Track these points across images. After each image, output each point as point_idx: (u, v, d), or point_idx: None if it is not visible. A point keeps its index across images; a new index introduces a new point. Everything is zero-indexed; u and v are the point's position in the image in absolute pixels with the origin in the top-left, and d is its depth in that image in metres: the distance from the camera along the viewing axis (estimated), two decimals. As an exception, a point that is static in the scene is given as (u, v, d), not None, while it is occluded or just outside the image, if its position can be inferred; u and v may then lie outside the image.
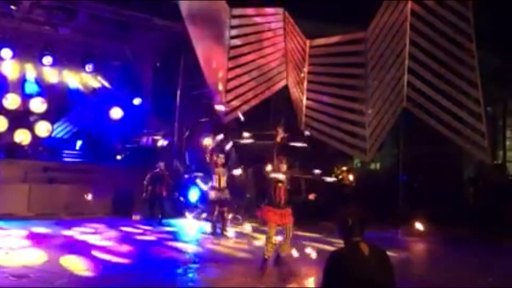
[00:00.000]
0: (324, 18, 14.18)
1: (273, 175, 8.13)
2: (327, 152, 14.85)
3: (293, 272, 7.97)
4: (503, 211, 12.73)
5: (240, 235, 11.28)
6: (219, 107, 13.30)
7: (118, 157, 16.76)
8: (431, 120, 12.62)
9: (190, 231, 12.37)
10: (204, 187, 12.37)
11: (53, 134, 16.62)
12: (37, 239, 9.68)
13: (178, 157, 15.79)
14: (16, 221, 11.70)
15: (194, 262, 8.50)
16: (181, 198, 14.27)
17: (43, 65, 14.86)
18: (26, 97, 15.59)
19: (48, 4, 14.19)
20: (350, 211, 3.40)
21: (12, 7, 13.52)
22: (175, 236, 11.36)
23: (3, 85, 14.93)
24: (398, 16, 13.20)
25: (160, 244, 10.16)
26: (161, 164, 13.30)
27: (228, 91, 14.04)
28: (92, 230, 11.21)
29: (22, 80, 15.41)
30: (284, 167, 8.21)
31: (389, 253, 3.41)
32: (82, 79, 16.18)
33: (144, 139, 16.75)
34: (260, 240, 9.70)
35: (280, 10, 14.54)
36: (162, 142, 16.20)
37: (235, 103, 14.10)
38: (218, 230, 11.41)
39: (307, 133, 11.73)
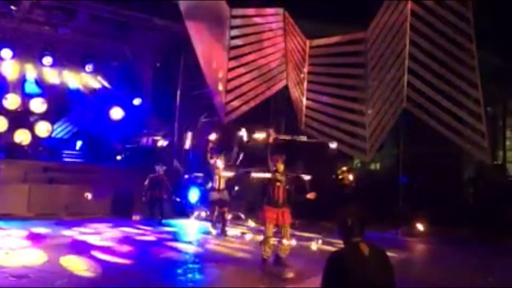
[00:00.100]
0: (324, 18, 14.18)
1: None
2: (328, 152, 14.85)
3: (293, 272, 7.97)
4: (503, 212, 12.73)
5: (240, 235, 11.29)
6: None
7: (118, 157, 16.76)
8: (431, 120, 12.62)
9: (190, 231, 12.37)
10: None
11: (53, 134, 16.63)
12: (37, 239, 9.68)
13: (178, 157, 15.78)
14: (16, 221, 11.70)
15: (194, 262, 8.50)
16: (178, 199, 14.24)
17: (43, 65, 14.86)
18: (26, 97, 15.59)
19: (48, 4, 14.19)
20: (350, 212, 3.39)
21: (12, 7, 13.52)
22: (175, 236, 11.36)
23: (3, 85, 14.93)
24: (398, 17, 13.21)
25: (160, 244, 10.15)
26: (160, 169, 13.29)
27: (228, 91, 14.05)
28: (92, 230, 11.20)
29: (22, 80, 15.42)
30: (281, 167, 8.24)
31: (389, 253, 3.40)
32: (82, 79, 16.18)
33: (144, 139, 16.75)
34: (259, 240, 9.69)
35: (280, 10, 14.55)
36: (162, 142, 16.20)
37: (235, 103, 14.11)
38: (218, 230, 11.41)
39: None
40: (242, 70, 14.23)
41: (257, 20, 14.51)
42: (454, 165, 15.71)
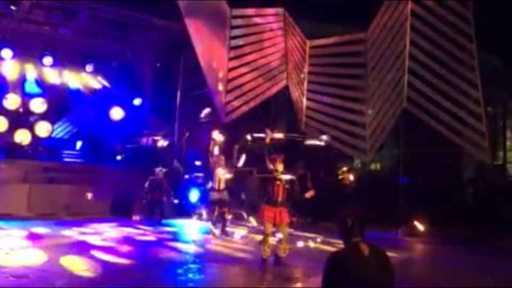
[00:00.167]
0: (324, 18, 14.18)
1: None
2: (330, 153, 14.87)
3: (293, 272, 7.97)
4: (503, 212, 12.72)
5: (240, 235, 11.28)
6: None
7: (118, 157, 16.78)
8: (431, 120, 12.61)
9: (190, 231, 12.37)
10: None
11: (53, 135, 16.65)
12: (37, 239, 9.67)
13: (178, 157, 15.79)
14: (16, 221, 11.70)
15: (194, 262, 8.50)
16: (176, 201, 14.21)
17: (43, 65, 14.88)
18: (26, 97, 15.61)
19: (48, 5, 14.21)
20: (350, 212, 3.39)
21: (12, 7, 13.53)
22: (175, 236, 11.36)
23: (3, 85, 14.95)
24: (398, 17, 13.20)
25: (160, 244, 10.16)
26: (159, 172, 13.29)
27: (228, 91, 14.06)
28: (92, 231, 11.20)
29: (22, 80, 15.44)
30: (280, 166, 8.27)
31: (389, 253, 3.40)
32: (82, 79, 16.19)
33: (144, 140, 16.77)
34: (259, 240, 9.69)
35: (280, 11, 14.55)
36: (162, 143, 16.21)
37: (235, 103, 14.12)
38: (219, 230, 11.41)
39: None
40: (242, 70, 14.24)
41: (257, 20, 14.52)
42: (454, 165, 15.70)
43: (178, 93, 16.21)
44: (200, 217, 13.71)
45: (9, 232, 10.25)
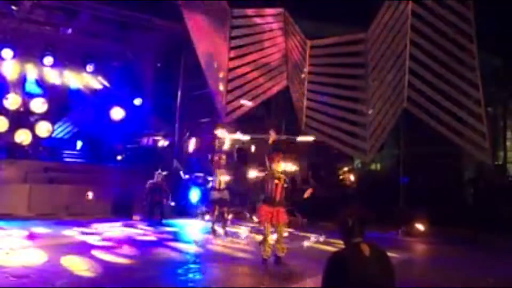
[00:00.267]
0: (324, 18, 14.18)
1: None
2: (331, 153, 14.89)
3: (293, 272, 7.97)
4: (503, 212, 12.73)
5: (240, 235, 11.28)
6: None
7: (119, 157, 16.78)
8: (432, 120, 12.60)
9: (191, 231, 12.37)
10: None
11: (53, 135, 16.65)
12: (37, 239, 9.68)
13: (178, 157, 15.79)
14: (16, 221, 11.71)
15: (194, 262, 8.50)
16: (172, 204, 14.18)
17: (44, 65, 14.89)
18: (27, 97, 15.61)
19: (49, 5, 14.22)
20: (350, 212, 3.39)
21: (13, 7, 13.55)
22: (175, 237, 11.36)
23: (4, 85, 14.95)
24: (398, 17, 13.19)
25: (160, 244, 10.16)
26: (158, 175, 13.30)
27: (229, 91, 14.06)
28: (93, 230, 11.21)
29: (23, 80, 15.44)
30: (278, 166, 8.27)
31: (389, 253, 3.40)
32: (82, 79, 16.20)
33: (145, 140, 16.79)
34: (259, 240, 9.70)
35: (280, 11, 14.55)
36: (162, 143, 16.21)
37: (236, 103, 14.12)
38: (219, 230, 11.42)
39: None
40: (242, 70, 14.24)
41: (258, 20, 14.52)
42: (455, 165, 15.71)
43: (179, 93, 16.22)
44: (202, 217, 13.72)
45: (10, 232, 10.25)
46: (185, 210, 14.54)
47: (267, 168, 8.38)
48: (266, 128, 9.73)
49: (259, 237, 8.67)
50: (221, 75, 13.99)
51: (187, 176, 15.02)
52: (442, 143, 13.24)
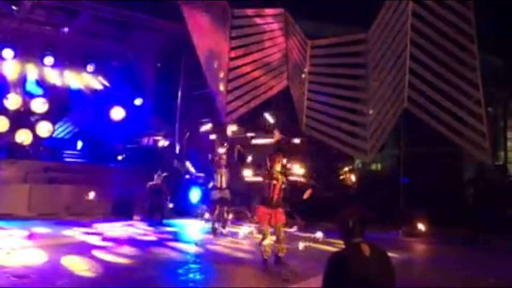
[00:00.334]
0: (324, 18, 14.18)
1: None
2: (332, 153, 14.88)
3: (293, 272, 7.97)
4: (503, 212, 12.72)
5: (240, 235, 11.28)
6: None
7: (119, 157, 16.79)
8: (432, 120, 12.59)
9: (191, 231, 12.37)
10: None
11: (54, 135, 16.66)
12: (38, 239, 9.69)
13: (179, 157, 15.79)
14: (17, 221, 11.72)
15: (195, 262, 8.51)
16: (171, 205, 14.17)
17: (44, 65, 14.89)
18: (27, 97, 15.62)
19: (49, 5, 14.23)
20: (351, 212, 3.40)
21: (14, 7, 13.56)
22: (175, 237, 11.37)
23: (4, 85, 14.96)
24: (399, 17, 13.19)
25: (160, 245, 10.16)
26: (157, 177, 13.30)
27: (229, 91, 14.06)
28: (93, 231, 11.21)
29: (23, 80, 15.45)
30: (278, 166, 8.27)
31: (390, 253, 3.40)
32: (83, 79, 16.21)
33: (145, 140, 16.79)
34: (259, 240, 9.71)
35: (280, 11, 14.55)
36: (163, 143, 16.21)
37: (236, 103, 14.12)
38: (219, 230, 11.42)
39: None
40: (243, 70, 14.25)
41: (258, 20, 14.53)
42: (455, 165, 15.71)
43: (179, 93, 16.23)
44: (202, 217, 13.71)
45: (10, 232, 10.26)
46: (185, 210, 14.54)
47: (267, 168, 8.36)
48: (266, 127, 9.72)
49: (259, 237, 8.67)
50: (221, 75, 13.99)
51: (187, 176, 15.00)
52: (442, 143, 13.24)
